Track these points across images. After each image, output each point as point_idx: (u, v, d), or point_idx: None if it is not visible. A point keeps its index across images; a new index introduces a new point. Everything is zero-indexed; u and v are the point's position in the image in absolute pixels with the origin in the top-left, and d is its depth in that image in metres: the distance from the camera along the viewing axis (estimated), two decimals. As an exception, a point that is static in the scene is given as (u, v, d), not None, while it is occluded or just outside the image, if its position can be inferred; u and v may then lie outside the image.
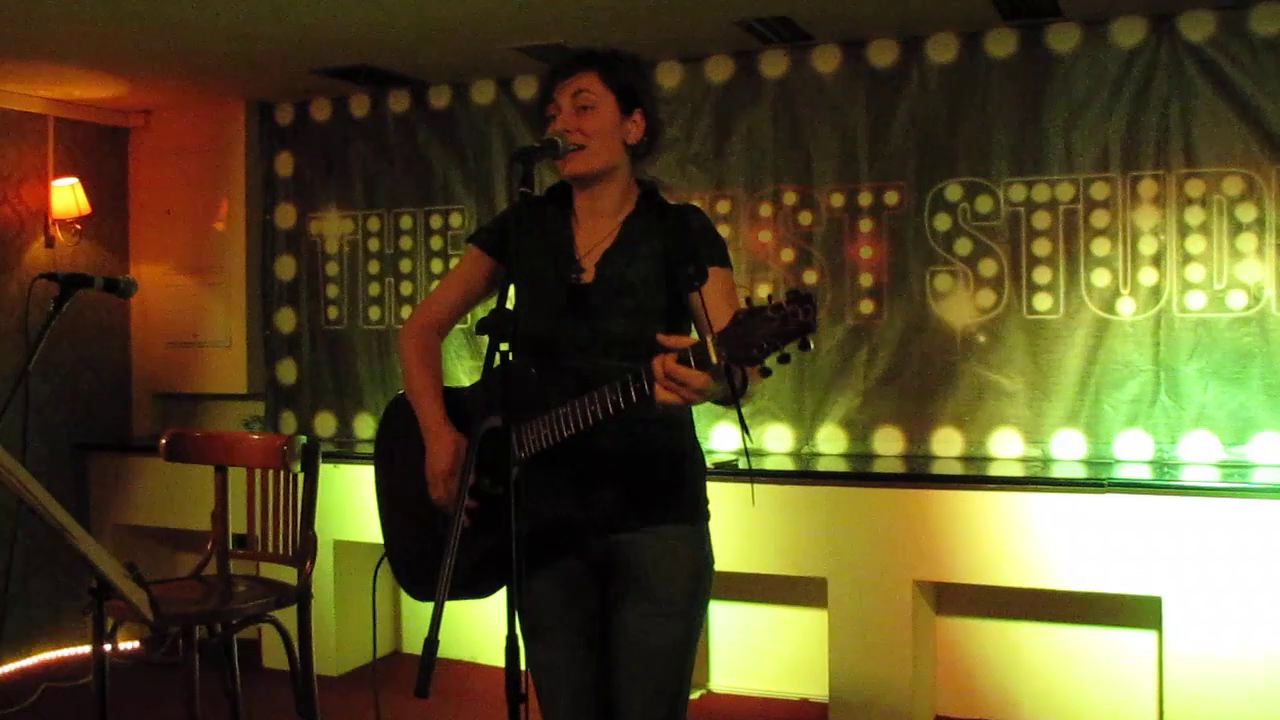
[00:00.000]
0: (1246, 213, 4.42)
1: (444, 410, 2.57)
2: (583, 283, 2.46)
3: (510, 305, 2.15)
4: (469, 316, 3.56)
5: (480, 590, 2.51)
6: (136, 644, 5.72)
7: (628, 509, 2.44)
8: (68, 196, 5.75)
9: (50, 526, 2.77)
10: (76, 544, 2.78)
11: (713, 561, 2.54)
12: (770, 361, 2.01)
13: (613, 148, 2.47)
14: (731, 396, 2.14)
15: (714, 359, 2.02)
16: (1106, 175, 4.61)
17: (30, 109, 5.73)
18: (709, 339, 2.03)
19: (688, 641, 2.48)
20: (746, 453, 5.01)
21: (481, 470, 2.43)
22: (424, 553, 2.57)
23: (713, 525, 2.57)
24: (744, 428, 2.27)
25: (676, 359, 2.05)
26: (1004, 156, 4.75)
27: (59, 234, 5.84)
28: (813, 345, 2.00)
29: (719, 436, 5.09)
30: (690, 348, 2.05)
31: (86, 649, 5.35)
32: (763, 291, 5.08)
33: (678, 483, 2.50)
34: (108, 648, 3.59)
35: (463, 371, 5.51)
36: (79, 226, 5.90)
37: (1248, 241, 4.42)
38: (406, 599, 5.63)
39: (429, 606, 1.97)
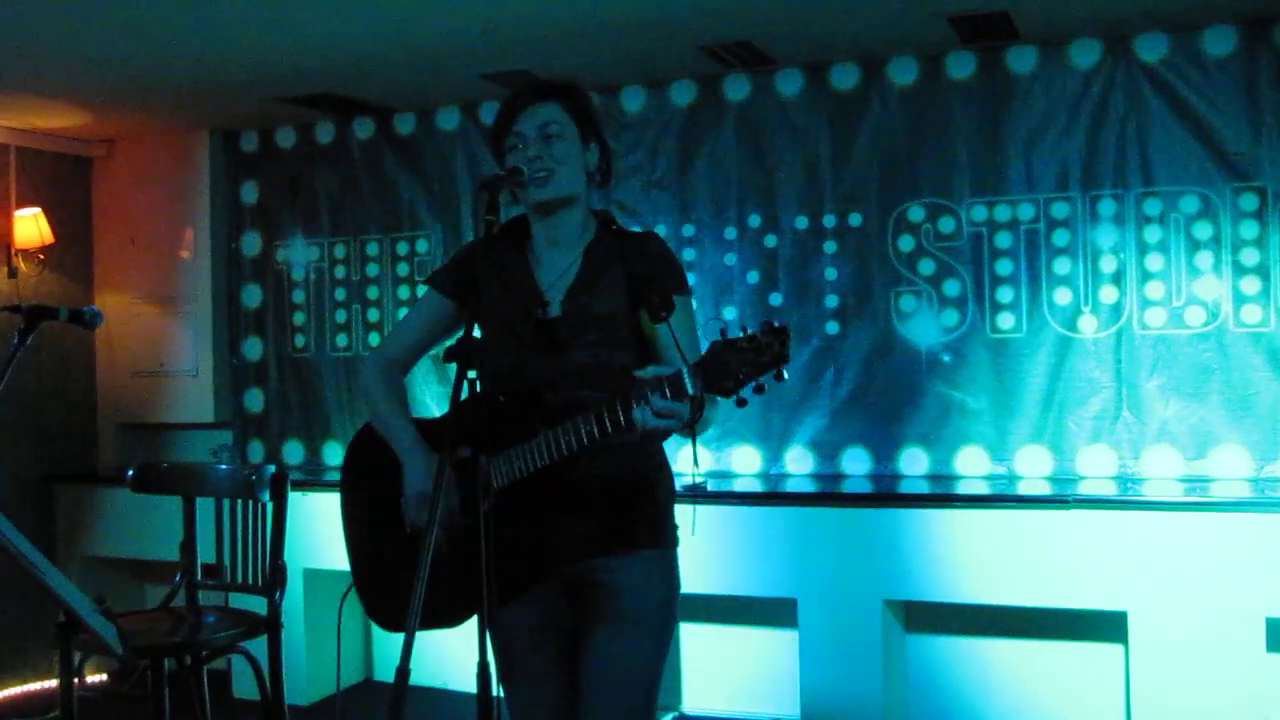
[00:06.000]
0: (1203, 230, 4.49)
1: (417, 432, 2.57)
2: (549, 316, 2.48)
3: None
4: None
5: (451, 620, 2.50)
6: (105, 677, 5.67)
7: (602, 535, 2.45)
8: (31, 226, 5.71)
9: (16, 560, 2.76)
10: (43, 577, 2.76)
11: (680, 585, 2.56)
12: (745, 391, 2.05)
13: (578, 175, 2.50)
14: (693, 424, 2.18)
15: (690, 389, 2.06)
16: (1066, 195, 4.67)
17: (-8, 139, 5.71)
18: (685, 371, 2.07)
19: (657, 663, 2.50)
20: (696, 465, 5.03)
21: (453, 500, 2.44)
22: (393, 583, 2.56)
23: (683, 547, 2.59)
24: (695, 455, 2.29)
25: (652, 391, 2.09)
26: (965, 177, 4.81)
27: (22, 264, 5.80)
28: (786, 376, 2.04)
29: (685, 460, 5.11)
30: (667, 380, 2.09)
31: (54, 683, 5.29)
32: (728, 315, 5.12)
33: (650, 508, 2.51)
34: (75, 681, 3.57)
35: (430, 398, 5.51)
36: (42, 256, 5.86)
37: (1205, 259, 4.49)
38: (377, 626, 5.62)
39: (400, 634, 1.97)
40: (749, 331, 2.03)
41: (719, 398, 2.16)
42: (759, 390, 2.04)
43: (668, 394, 2.09)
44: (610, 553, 2.46)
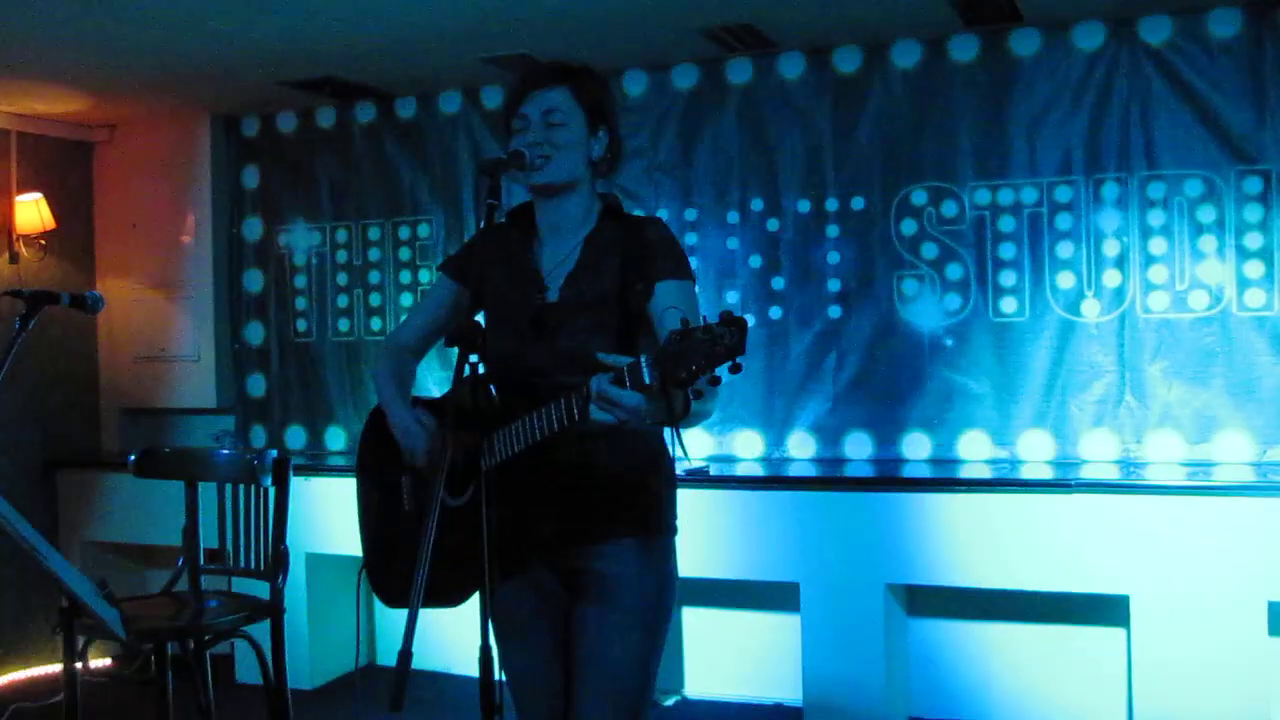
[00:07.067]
0: (1207, 214, 4.48)
1: (410, 408, 2.60)
2: (546, 302, 2.48)
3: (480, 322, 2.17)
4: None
5: (450, 599, 2.50)
6: (108, 661, 5.68)
7: (593, 521, 2.44)
8: (32, 212, 5.71)
9: (19, 545, 2.76)
10: (46, 563, 2.77)
11: (676, 575, 2.55)
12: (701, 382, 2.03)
13: (578, 162, 2.49)
14: (669, 418, 2.13)
15: (647, 379, 2.03)
16: (1069, 178, 4.66)
17: (-8, 124, 5.70)
18: (643, 359, 2.04)
19: (649, 652, 2.48)
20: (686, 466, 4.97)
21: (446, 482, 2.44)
22: (394, 561, 2.57)
23: (686, 531, 2.58)
24: (682, 448, 2.26)
25: (611, 378, 2.06)
26: (968, 161, 4.79)
27: (23, 249, 5.80)
28: (743, 367, 2.00)
29: (692, 445, 5.11)
30: (626, 367, 2.05)
31: (57, 668, 5.30)
32: (730, 299, 5.11)
33: (644, 496, 2.50)
34: (79, 666, 3.57)
35: (432, 382, 5.50)
36: (44, 242, 5.85)
37: (1208, 243, 4.48)
38: (380, 611, 5.63)
39: (403, 618, 1.98)
40: (706, 322, 1.99)
41: (716, 389, 2.12)
42: (714, 383, 2.01)
43: (626, 382, 2.06)
44: (595, 540, 2.45)
